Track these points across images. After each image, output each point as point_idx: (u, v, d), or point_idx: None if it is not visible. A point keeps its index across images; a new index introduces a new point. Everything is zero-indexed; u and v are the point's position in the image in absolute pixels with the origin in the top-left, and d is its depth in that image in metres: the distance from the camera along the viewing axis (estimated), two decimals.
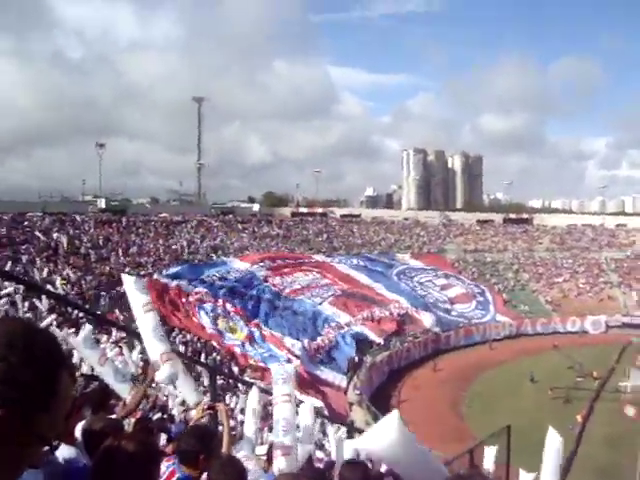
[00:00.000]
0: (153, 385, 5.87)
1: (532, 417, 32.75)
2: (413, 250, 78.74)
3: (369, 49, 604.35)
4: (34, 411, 1.39)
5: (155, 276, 41.72)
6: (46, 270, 37.00)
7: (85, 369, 15.98)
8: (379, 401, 37.15)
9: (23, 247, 40.73)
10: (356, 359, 42.20)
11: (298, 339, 40.28)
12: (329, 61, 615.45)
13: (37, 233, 44.75)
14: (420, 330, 53.56)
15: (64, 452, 3.07)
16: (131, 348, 21.10)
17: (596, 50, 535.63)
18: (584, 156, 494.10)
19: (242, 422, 8.98)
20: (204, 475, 4.01)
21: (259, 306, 44.05)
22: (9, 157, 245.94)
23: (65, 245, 44.37)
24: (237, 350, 35.95)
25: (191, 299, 39.94)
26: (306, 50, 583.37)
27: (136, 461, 2.58)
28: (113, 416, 5.00)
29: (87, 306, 31.38)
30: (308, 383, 34.52)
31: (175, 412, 12.86)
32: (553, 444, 8.85)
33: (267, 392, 9.42)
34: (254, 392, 7.62)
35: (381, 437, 3.70)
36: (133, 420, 5.15)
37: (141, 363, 17.24)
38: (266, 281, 49.58)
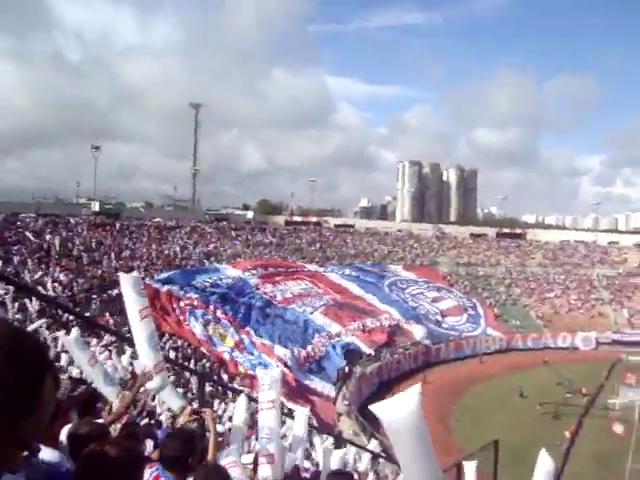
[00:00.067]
0: (141, 391, 5.82)
1: (521, 432, 32.78)
2: (406, 262, 78.84)
3: (367, 60, 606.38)
4: (17, 414, 1.37)
5: (147, 281, 41.55)
6: (37, 272, 36.86)
7: (74, 372, 15.92)
8: (368, 412, 36.89)
9: (15, 248, 40.56)
10: (346, 369, 42.10)
11: (288, 347, 40.18)
12: (327, 71, 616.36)
13: (27, 234, 44.58)
14: (411, 342, 53.48)
15: (48, 456, 3.04)
16: (121, 353, 21.05)
17: (592, 67, 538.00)
18: (578, 172, 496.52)
19: (230, 429, 8.95)
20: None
21: (250, 313, 43.92)
22: (4, 157, 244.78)
23: (57, 247, 44.21)
24: (226, 357, 35.85)
25: (182, 305, 39.79)
26: (304, 60, 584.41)
27: (119, 467, 2.56)
28: (100, 420, 4.96)
29: (78, 309, 31.32)
30: (297, 392, 34.44)
31: (163, 418, 12.80)
32: (544, 467, 8.81)
33: (255, 400, 9.37)
34: (242, 400, 7.59)
35: (399, 407, 3.73)
36: (119, 425, 5.11)
37: (130, 368, 17.18)
38: (258, 289, 49.45)
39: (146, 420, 11.23)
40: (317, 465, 13.99)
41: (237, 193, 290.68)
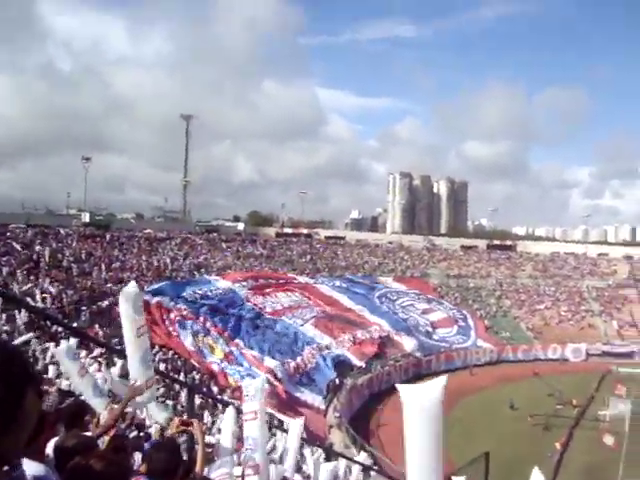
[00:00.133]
0: (129, 404, 5.77)
1: (511, 444, 32.73)
2: (396, 274, 78.86)
3: (358, 72, 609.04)
4: None
5: None
6: (26, 283, 36.67)
7: (63, 384, 15.79)
8: (359, 424, 36.94)
9: (4, 259, 40.39)
10: (336, 381, 42.01)
11: (278, 359, 40.07)
12: (318, 83, 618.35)
13: (15, 245, 44.40)
14: (401, 354, 53.43)
15: (33, 469, 2.98)
16: (111, 365, 20.89)
17: (581, 80, 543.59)
18: (568, 185, 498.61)
19: (219, 441, 8.90)
20: None
21: (240, 325, 43.77)
22: None
23: (47, 258, 44.03)
24: (215, 368, 35.73)
25: (172, 316, 39.68)
26: (295, 72, 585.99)
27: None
28: (88, 433, 4.90)
29: (67, 320, 31.12)
30: (287, 404, 34.31)
31: (152, 430, 12.70)
32: None
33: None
34: (230, 412, 7.53)
35: (422, 394, 3.80)
36: (107, 438, 5.05)
37: (117, 379, 17.04)
38: (248, 300, 49.34)
39: (135, 433, 11.16)
40: (308, 478, 13.92)
41: (228, 204, 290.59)
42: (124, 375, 8.97)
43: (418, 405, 3.83)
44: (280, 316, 49.21)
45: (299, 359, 42.37)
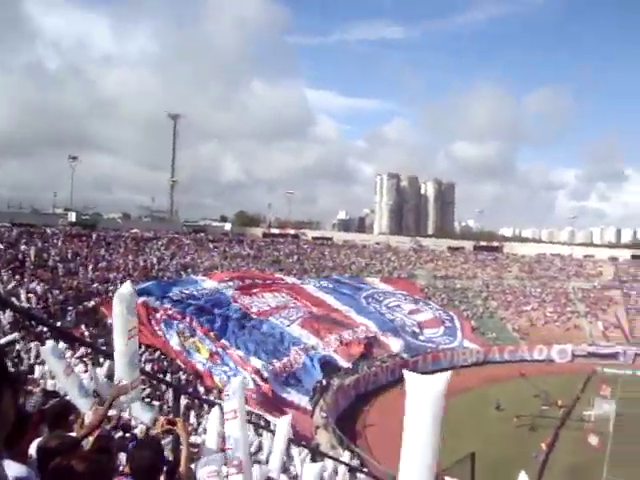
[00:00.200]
0: (115, 405, 5.73)
1: (497, 444, 32.88)
2: (383, 274, 78.92)
3: (346, 73, 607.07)
4: None
5: None
6: (12, 282, 36.41)
7: (49, 385, 15.68)
8: (345, 425, 36.98)
9: None
10: (323, 382, 42.01)
11: (264, 360, 40.03)
12: (306, 83, 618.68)
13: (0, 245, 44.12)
14: (387, 354, 53.50)
15: (15, 471, 2.95)
16: (96, 364, 20.77)
17: (569, 81, 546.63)
18: (554, 186, 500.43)
19: (204, 442, 8.86)
20: None
21: (227, 325, 43.67)
22: None
23: (32, 258, 43.74)
24: (200, 368, 35.59)
25: (158, 316, 39.55)
26: (283, 72, 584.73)
27: None
28: (73, 434, 4.86)
29: (52, 320, 30.93)
30: (274, 404, 34.28)
31: (137, 431, 12.65)
32: None
33: None
34: (215, 412, 7.50)
35: (427, 385, 3.90)
36: (91, 439, 5.01)
37: (105, 380, 16.95)
38: (235, 301, 49.26)
39: (120, 434, 11.09)
40: (295, 478, 13.90)
41: (215, 204, 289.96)
42: (110, 376, 8.91)
43: (422, 395, 3.87)
44: (267, 316, 49.15)
45: (285, 359, 42.35)
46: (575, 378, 52.16)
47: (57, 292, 38.46)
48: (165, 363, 34.44)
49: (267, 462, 9.78)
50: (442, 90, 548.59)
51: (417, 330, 62.46)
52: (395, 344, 55.17)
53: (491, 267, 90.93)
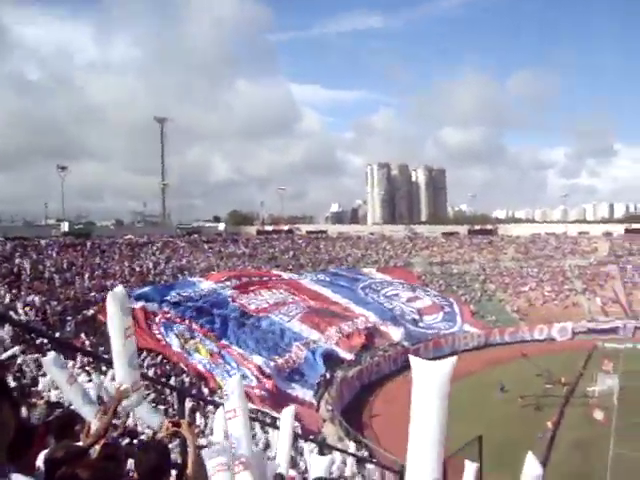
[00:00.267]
0: (119, 410, 5.74)
1: (504, 426, 32.97)
2: (380, 264, 79.00)
3: (329, 66, 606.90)
4: None
5: None
6: (8, 296, 36.35)
7: (53, 396, 15.67)
8: (351, 416, 37.03)
9: None
10: (327, 375, 42.07)
11: (266, 357, 40.08)
12: (290, 79, 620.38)
13: None
14: (389, 343, 53.58)
15: None
16: (100, 372, 20.77)
17: (550, 62, 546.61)
18: (544, 166, 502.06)
19: (211, 442, 8.85)
20: None
21: (226, 325, 43.68)
22: None
23: (28, 270, 43.67)
24: (202, 369, 35.52)
25: (157, 320, 39.56)
26: (267, 69, 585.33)
27: None
28: (79, 443, 4.87)
29: (52, 332, 30.90)
30: (279, 401, 34.31)
31: (144, 437, 12.67)
32: (531, 471, 8.82)
33: None
34: (220, 413, 7.52)
35: (432, 370, 3.96)
36: (98, 447, 5.02)
37: (111, 385, 16.97)
38: (233, 300, 49.26)
39: (127, 440, 11.11)
40: (304, 473, 13.93)
41: (207, 205, 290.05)
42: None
43: (428, 379, 3.90)
44: (266, 314, 49.19)
45: (287, 355, 42.44)
46: (577, 355, 52.30)
47: (55, 303, 38.40)
48: (168, 367, 34.43)
49: (275, 457, 9.78)
50: (426, 77, 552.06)
51: (417, 317, 62.59)
52: (396, 333, 55.28)
53: (487, 250, 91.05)
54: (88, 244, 58.41)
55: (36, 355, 20.99)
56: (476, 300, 73.99)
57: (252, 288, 54.08)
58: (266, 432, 20.77)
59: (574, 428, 34.79)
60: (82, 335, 33.27)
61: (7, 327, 24.36)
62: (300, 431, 27.67)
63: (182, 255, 65.11)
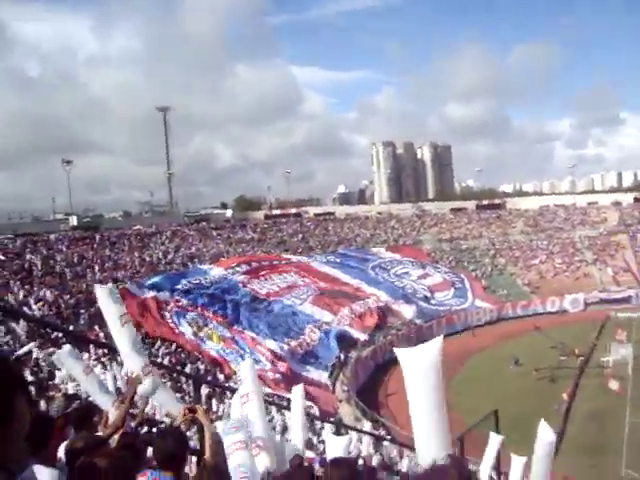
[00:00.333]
0: (136, 398, 5.80)
1: (520, 399, 33.08)
2: (389, 243, 78.95)
3: (329, 47, 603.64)
4: None
5: (133, 289, 41.34)
6: (21, 293, 36.59)
7: (70, 389, 15.81)
8: (367, 396, 37.20)
9: None
10: (341, 357, 42.21)
11: (280, 340, 40.23)
12: (291, 62, 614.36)
13: (1, 256, 44.14)
14: (401, 322, 53.67)
15: (44, 476, 3.00)
16: (118, 363, 20.88)
17: (552, 33, 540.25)
18: (550, 137, 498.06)
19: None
20: None
21: (239, 310, 43.82)
22: None
23: (39, 266, 43.89)
24: (215, 355, 35.63)
25: (169, 308, 39.69)
26: (267, 53, 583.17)
27: (109, 477, 2.54)
28: (98, 434, 4.93)
29: (66, 325, 31.14)
30: (293, 383, 34.42)
31: (163, 426, 12.76)
32: (545, 438, 8.88)
33: None
34: (236, 398, 7.59)
35: (420, 357, 3.88)
36: (117, 437, 5.07)
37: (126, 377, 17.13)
38: (245, 285, 49.37)
39: (146, 429, 11.21)
40: (322, 453, 14.02)
41: (214, 192, 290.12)
42: None
43: (417, 367, 3.90)
44: (278, 297, 49.32)
45: (301, 338, 42.58)
46: (590, 326, 52.23)
47: (68, 297, 38.63)
48: (182, 355, 34.61)
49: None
50: (427, 54, 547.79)
51: (428, 295, 62.61)
52: (408, 311, 55.35)
53: (495, 224, 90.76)
54: (97, 237, 58.55)
55: (51, 349, 21.14)
56: (487, 275, 73.97)
57: (262, 273, 54.17)
58: (283, 415, 20.90)
59: (589, 399, 34.85)
60: (96, 327, 33.42)
61: (22, 323, 24.57)
62: (317, 413, 27.86)
63: (191, 243, 65.22)
